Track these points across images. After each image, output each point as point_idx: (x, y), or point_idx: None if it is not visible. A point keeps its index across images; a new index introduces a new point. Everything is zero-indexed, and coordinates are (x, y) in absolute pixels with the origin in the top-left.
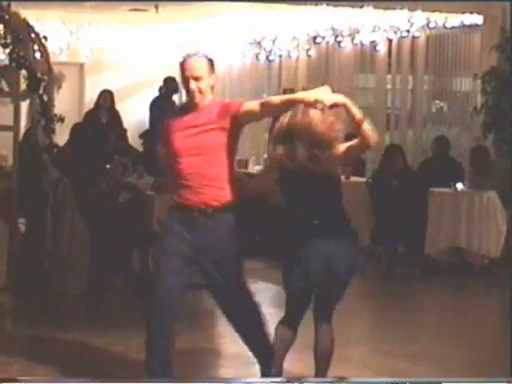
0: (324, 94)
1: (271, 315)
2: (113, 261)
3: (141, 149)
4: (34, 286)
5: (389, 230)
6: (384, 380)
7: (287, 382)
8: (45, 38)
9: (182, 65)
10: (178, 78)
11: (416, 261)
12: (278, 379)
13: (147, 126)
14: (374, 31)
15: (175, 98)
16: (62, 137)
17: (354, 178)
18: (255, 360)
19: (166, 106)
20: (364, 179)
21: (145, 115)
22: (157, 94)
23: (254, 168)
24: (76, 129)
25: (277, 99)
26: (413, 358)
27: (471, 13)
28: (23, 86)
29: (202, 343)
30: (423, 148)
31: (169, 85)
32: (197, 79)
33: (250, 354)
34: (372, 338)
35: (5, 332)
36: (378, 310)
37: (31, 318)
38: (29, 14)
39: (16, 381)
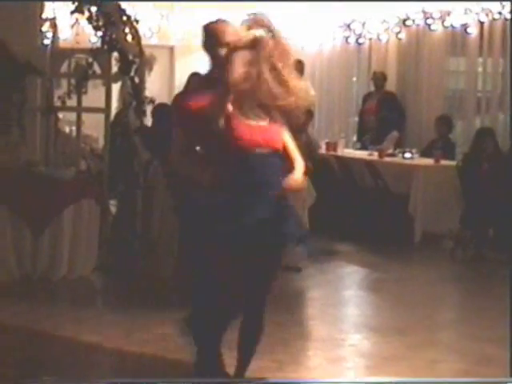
0: None
1: (360, 298)
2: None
3: None
4: (124, 267)
5: (478, 213)
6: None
7: None
8: (136, 20)
9: None
10: None
11: (505, 245)
12: None
13: None
14: (465, 14)
15: None
16: None
17: (444, 162)
18: (344, 342)
19: None
20: (454, 162)
21: None
22: None
23: (344, 151)
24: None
25: None
26: (501, 343)
27: None
28: (115, 68)
29: (291, 326)
30: None
31: None
32: None
33: (339, 336)
34: (460, 323)
35: (96, 312)
36: (467, 294)
37: (121, 299)
38: None
39: (16, 381)
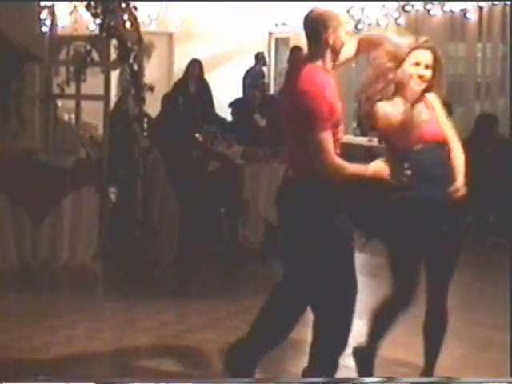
0: None
1: (361, 283)
2: (203, 229)
3: (229, 118)
4: (125, 254)
5: (479, 199)
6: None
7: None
8: (135, 7)
9: None
10: (266, 51)
11: (506, 230)
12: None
13: (236, 95)
14: None
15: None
16: (151, 106)
17: None
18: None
19: (258, 77)
20: None
21: (234, 85)
22: (248, 63)
23: (343, 137)
24: (165, 99)
25: None
26: (503, 328)
27: None
28: (113, 55)
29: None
30: None
31: (259, 59)
32: None
33: None
34: (463, 308)
35: (96, 299)
36: (470, 280)
37: (122, 287)
38: None
39: (16, 381)
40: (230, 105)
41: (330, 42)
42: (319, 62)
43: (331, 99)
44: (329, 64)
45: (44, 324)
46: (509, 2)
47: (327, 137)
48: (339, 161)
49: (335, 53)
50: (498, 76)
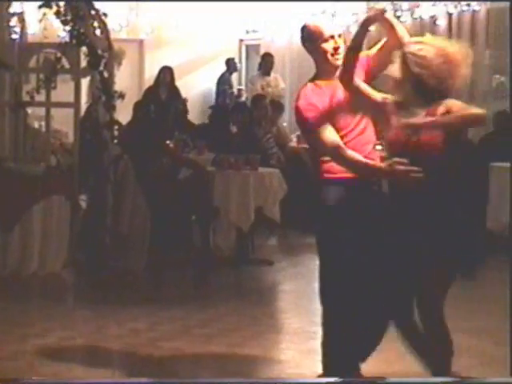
0: None
1: None
2: (173, 237)
3: (204, 122)
4: (95, 262)
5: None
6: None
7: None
8: (105, 14)
9: None
10: (237, 57)
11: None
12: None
13: (207, 101)
14: (433, 5)
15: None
16: (122, 113)
17: None
18: (316, 335)
19: (230, 84)
20: None
21: (205, 91)
22: (219, 70)
23: None
24: (137, 106)
25: None
26: (475, 334)
27: None
28: (84, 62)
29: (264, 319)
30: None
31: (230, 65)
32: None
33: (311, 329)
34: None
35: (67, 307)
36: None
37: (93, 294)
38: None
39: (16, 381)
40: (211, 107)
41: (316, 55)
42: (315, 78)
43: (318, 104)
44: (325, 76)
45: (15, 333)
46: (477, 8)
47: (322, 130)
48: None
49: (328, 63)
50: (468, 82)
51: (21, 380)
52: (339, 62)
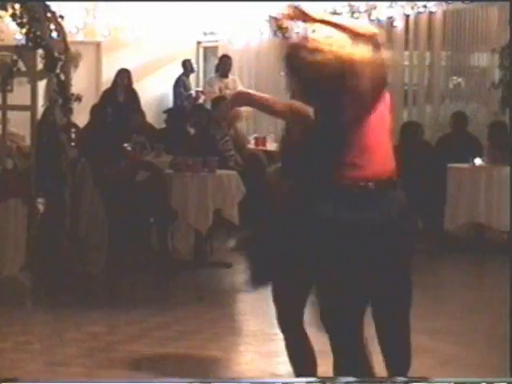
0: None
1: None
2: (131, 240)
3: (158, 127)
4: (53, 266)
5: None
6: None
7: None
8: (61, 17)
9: None
10: (195, 60)
11: (435, 237)
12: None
13: (165, 104)
14: (390, 7)
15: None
16: (79, 116)
17: None
18: (275, 337)
19: (187, 86)
20: None
21: (162, 93)
22: (176, 72)
23: (273, 145)
24: (94, 109)
25: None
26: (433, 334)
27: None
28: (40, 65)
29: (223, 321)
30: (441, 124)
31: (186, 66)
32: None
33: (270, 331)
34: None
35: (25, 311)
36: None
37: (51, 298)
38: None
39: (16, 381)
40: (165, 111)
41: None
42: None
43: None
44: None
45: None
46: (434, 9)
47: None
48: None
49: None
50: (425, 84)
51: (21, 380)
52: None
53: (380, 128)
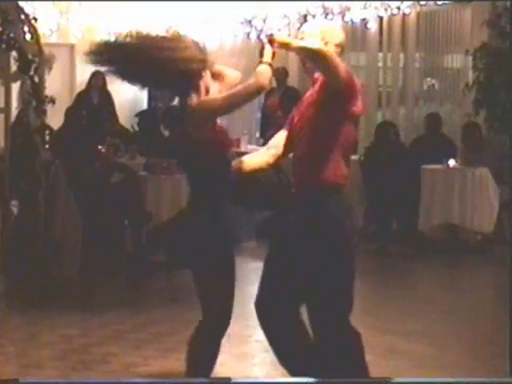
0: None
1: None
2: (106, 242)
3: (134, 128)
4: (27, 268)
5: (381, 207)
6: None
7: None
8: (35, 18)
9: None
10: None
11: (409, 238)
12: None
13: (139, 106)
14: (364, 8)
15: None
16: (53, 118)
17: None
18: (249, 339)
19: None
20: (357, 157)
21: (136, 95)
22: None
23: (247, 147)
24: (68, 111)
25: None
26: (408, 335)
27: None
28: (14, 67)
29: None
30: (415, 125)
31: None
32: None
33: (244, 332)
34: (366, 315)
35: None
36: (372, 287)
37: (24, 301)
38: None
39: (16, 381)
40: (137, 115)
41: None
42: None
43: None
44: None
45: None
46: (407, 11)
47: None
48: None
49: None
50: (399, 85)
51: (21, 380)
52: None
53: None
